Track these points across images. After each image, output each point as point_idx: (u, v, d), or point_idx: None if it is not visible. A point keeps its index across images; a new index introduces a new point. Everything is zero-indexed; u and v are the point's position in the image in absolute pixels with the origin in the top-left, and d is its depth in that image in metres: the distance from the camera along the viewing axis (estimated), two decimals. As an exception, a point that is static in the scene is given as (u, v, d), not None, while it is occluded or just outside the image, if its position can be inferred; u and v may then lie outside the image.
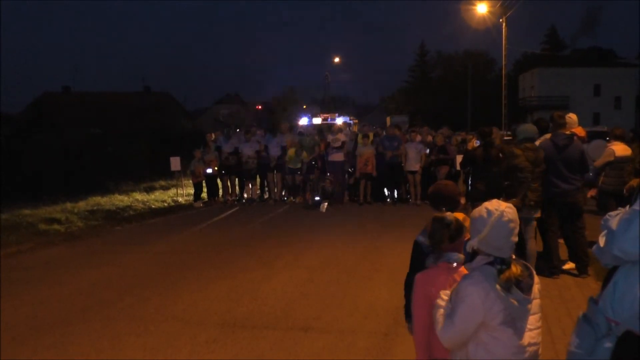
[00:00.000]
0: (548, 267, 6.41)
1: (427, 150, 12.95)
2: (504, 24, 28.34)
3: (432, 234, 2.76)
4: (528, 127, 6.62)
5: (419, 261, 2.98)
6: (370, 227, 10.05)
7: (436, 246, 2.74)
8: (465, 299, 2.35)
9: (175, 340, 4.87)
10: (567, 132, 6.52)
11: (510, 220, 2.41)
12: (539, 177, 6.30)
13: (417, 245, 3.17)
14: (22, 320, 5.48)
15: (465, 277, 2.46)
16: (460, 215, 3.25)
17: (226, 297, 6.10)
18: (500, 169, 6.55)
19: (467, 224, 3.10)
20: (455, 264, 2.69)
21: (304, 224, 10.75)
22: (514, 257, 2.50)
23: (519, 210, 6.06)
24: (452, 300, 2.45)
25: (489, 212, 2.45)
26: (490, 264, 2.40)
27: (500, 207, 2.45)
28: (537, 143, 6.88)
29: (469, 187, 11.07)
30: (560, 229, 6.69)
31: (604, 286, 2.24)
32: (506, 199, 6.06)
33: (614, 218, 2.16)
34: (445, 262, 2.69)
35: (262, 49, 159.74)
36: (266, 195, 14.27)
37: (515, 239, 2.45)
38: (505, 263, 2.39)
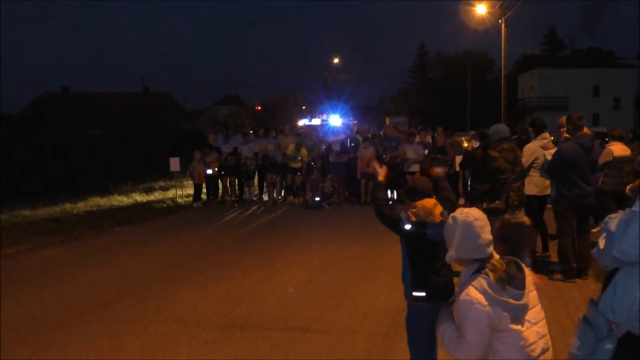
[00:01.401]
0: (562, 270, 6.35)
1: (426, 151, 12.96)
2: (503, 25, 28.28)
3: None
4: (501, 128, 6.48)
5: (397, 229, 3.38)
6: (369, 228, 10.04)
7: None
8: (468, 314, 2.36)
9: (175, 341, 4.87)
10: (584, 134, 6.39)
11: (475, 219, 2.50)
12: (520, 176, 6.28)
13: (400, 220, 3.35)
14: (21, 321, 5.48)
15: (458, 293, 2.49)
16: (430, 202, 3.29)
17: (225, 297, 6.10)
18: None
19: (437, 210, 3.19)
20: None
21: (303, 225, 10.74)
22: (497, 256, 2.54)
23: (503, 211, 6.05)
24: (456, 320, 2.46)
25: (454, 219, 2.55)
26: (477, 272, 2.44)
27: (464, 211, 2.56)
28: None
29: (469, 189, 11.08)
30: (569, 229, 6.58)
31: (604, 288, 2.24)
32: (489, 202, 6.05)
33: (613, 220, 2.16)
34: None
35: (261, 49, 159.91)
36: (265, 197, 14.26)
37: (488, 236, 2.51)
38: (486, 262, 2.45)
